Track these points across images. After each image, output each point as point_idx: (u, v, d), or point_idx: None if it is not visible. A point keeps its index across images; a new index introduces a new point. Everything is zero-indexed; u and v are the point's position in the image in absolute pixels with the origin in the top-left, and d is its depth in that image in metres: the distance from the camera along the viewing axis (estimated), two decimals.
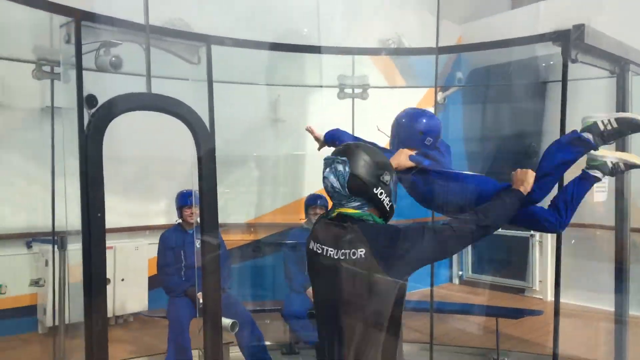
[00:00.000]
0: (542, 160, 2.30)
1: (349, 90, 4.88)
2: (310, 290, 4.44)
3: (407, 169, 2.48)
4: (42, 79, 3.85)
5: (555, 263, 3.24)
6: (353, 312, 1.82)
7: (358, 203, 1.86)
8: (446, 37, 6.83)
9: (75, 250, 3.44)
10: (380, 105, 5.12)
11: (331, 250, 1.85)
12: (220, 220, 3.27)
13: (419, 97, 6.87)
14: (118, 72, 3.26)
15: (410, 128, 2.61)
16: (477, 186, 2.38)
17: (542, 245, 6.71)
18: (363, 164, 1.85)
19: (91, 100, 2.79)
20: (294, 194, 6.01)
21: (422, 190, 2.49)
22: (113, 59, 3.15)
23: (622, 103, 3.50)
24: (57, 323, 4.17)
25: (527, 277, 6.86)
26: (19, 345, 4.91)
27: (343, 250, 1.82)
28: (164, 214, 5.58)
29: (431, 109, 6.44)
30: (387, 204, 1.89)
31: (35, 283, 4.59)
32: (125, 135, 4.22)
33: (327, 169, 1.87)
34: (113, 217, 3.07)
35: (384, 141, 2.83)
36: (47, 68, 3.81)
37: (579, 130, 2.29)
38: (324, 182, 1.89)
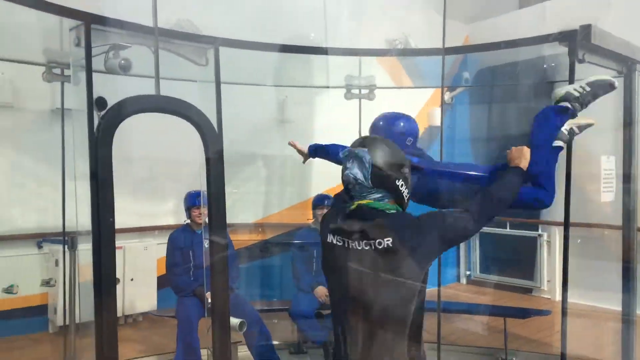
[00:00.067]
0: (531, 136, 2.36)
1: (355, 91, 4.88)
2: (318, 289, 4.47)
3: None
4: (52, 82, 3.88)
5: (563, 263, 3.24)
6: (380, 302, 1.82)
7: (379, 195, 1.88)
8: (453, 37, 6.81)
9: (85, 250, 3.48)
10: (387, 105, 5.14)
11: (352, 242, 1.85)
12: (228, 220, 3.31)
13: (426, 98, 6.88)
14: (127, 74, 3.29)
15: (390, 130, 2.66)
16: (473, 172, 2.46)
17: (550, 245, 6.70)
18: (385, 156, 1.89)
19: (101, 102, 2.83)
20: (301, 194, 6.03)
21: (421, 189, 2.51)
22: (122, 61, 3.18)
23: (629, 103, 3.50)
24: (67, 322, 4.22)
25: (535, 277, 6.85)
26: (30, 344, 4.96)
27: (367, 241, 1.82)
28: (173, 214, 5.61)
29: (438, 109, 6.46)
30: (406, 196, 1.93)
31: (47, 283, 4.63)
32: (134, 136, 4.26)
33: (349, 162, 1.88)
34: (122, 217, 3.11)
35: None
36: (57, 70, 3.84)
37: (553, 103, 2.38)
38: (344, 174, 1.89)
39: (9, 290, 4.52)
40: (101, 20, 3.01)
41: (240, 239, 5.80)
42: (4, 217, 5.06)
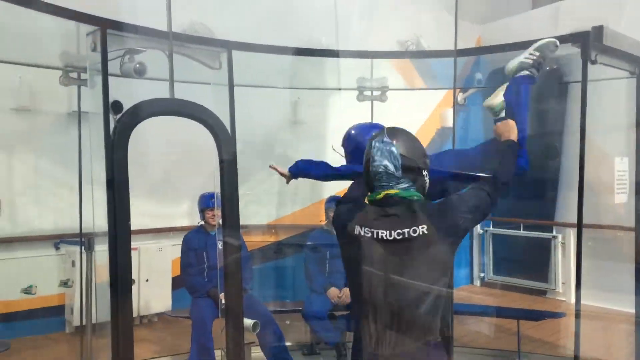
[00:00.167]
0: (507, 111, 2.42)
1: (367, 93, 4.90)
2: (330, 290, 4.49)
3: None
4: (69, 85, 3.95)
5: (576, 265, 3.23)
6: (417, 287, 1.86)
7: (407, 184, 1.91)
8: (465, 38, 6.83)
9: (101, 251, 3.54)
10: (399, 107, 5.15)
11: (383, 232, 1.88)
12: (242, 221, 3.35)
13: (438, 99, 6.87)
14: (142, 78, 3.34)
15: (366, 140, 2.70)
16: (462, 156, 2.53)
17: (565, 247, 6.64)
18: (413, 147, 1.95)
19: (117, 106, 2.88)
20: (313, 195, 6.05)
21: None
22: (137, 65, 3.24)
23: None
24: (84, 323, 4.28)
25: (549, 279, 6.80)
26: (48, 344, 5.02)
27: (400, 230, 1.85)
28: (187, 215, 5.66)
29: (450, 110, 6.45)
30: (427, 185, 1.98)
31: (64, 284, 4.70)
32: (149, 138, 4.32)
33: (379, 152, 1.91)
34: (137, 218, 3.16)
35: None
36: (74, 74, 3.90)
37: (512, 76, 2.47)
38: (372, 164, 1.91)
39: (27, 290, 4.61)
40: (117, 25, 3.07)
41: (254, 240, 5.83)
42: (22, 218, 5.13)
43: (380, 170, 1.90)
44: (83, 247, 4.07)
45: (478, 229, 7.34)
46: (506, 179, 2.09)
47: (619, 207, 3.40)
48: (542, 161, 6.73)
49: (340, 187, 2.30)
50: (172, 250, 5.58)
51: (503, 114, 2.48)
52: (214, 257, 4.21)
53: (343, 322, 4.53)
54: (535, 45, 2.45)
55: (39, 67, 4.31)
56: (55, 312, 5.22)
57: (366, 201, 2.30)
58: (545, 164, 6.65)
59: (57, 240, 5.23)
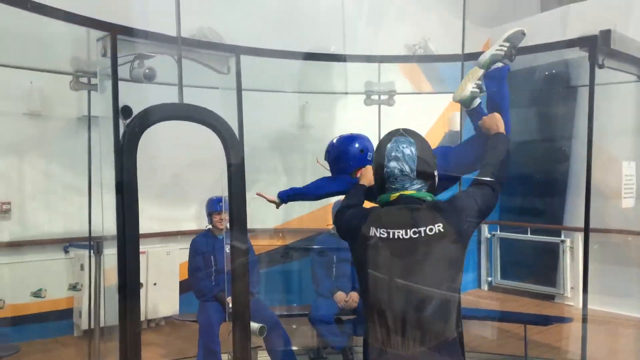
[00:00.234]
0: (490, 104, 2.45)
1: (375, 97, 4.91)
2: (337, 295, 4.49)
3: None
4: (79, 90, 3.98)
5: (583, 269, 3.22)
6: (435, 285, 1.89)
7: (419, 185, 1.96)
8: (474, 41, 6.80)
9: (110, 255, 3.56)
10: (407, 111, 5.16)
11: (399, 232, 1.90)
12: (249, 225, 3.36)
13: (446, 103, 6.86)
14: (151, 83, 3.37)
15: (350, 150, 2.79)
16: (448, 154, 2.53)
17: (573, 251, 6.60)
18: (426, 148, 1.99)
19: (126, 111, 2.91)
20: (321, 200, 6.06)
21: None
22: (147, 70, 3.27)
23: None
24: (92, 326, 4.30)
25: (557, 284, 6.75)
26: (56, 347, 5.04)
27: (415, 229, 1.88)
28: (195, 219, 5.68)
29: (458, 114, 6.44)
30: (436, 185, 2.02)
31: (73, 287, 4.73)
32: (158, 142, 4.34)
33: (394, 154, 1.94)
34: (145, 222, 3.18)
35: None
36: (84, 79, 3.94)
37: (485, 69, 2.50)
38: (387, 166, 1.95)
39: (37, 294, 4.63)
40: (127, 31, 3.10)
41: (261, 244, 5.84)
42: (32, 222, 5.17)
43: (396, 171, 1.93)
44: (92, 251, 4.10)
45: (486, 232, 7.32)
46: (504, 172, 2.12)
47: (628, 212, 3.39)
48: (551, 165, 6.72)
49: None
50: (180, 254, 5.60)
51: (475, 104, 2.51)
52: (222, 261, 4.22)
53: (350, 327, 4.53)
54: (504, 36, 2.49)
55: (50, 72, 4.36)
56: (63, 316, 5.24)
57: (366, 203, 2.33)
58: (554, 168, 6.64)
59: (67, 244, 5.26)
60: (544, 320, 4.94)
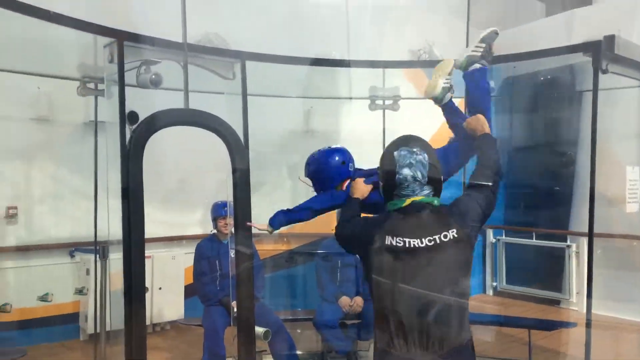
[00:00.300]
0: (472, 107, 2.46)
1: (380, 102, 4.93)
2: (342, 299, 4.49)
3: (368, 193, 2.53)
4: (86, 96, 4.02)
5: (587, 274, 3.22)
6: (453, 289, 1.93)
7: (428, 191, 1.98)
8: None
9: (116, 259, 3.58)
10: (412, 116, 5.17)
11: (414, 241, 1.91)
12: (254, 230, 3.38)
13: None
14: (158, 88, 3.40)
15: (331, 164, 2.75)
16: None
17: (579, 256, 6.57)
18: (433, 154, 2.02)
19: (133, 116, 2.94)
20: None
21: None
22: (153, 76, 3.30)
23: None
24: (98, 330, 4.32)
25: (563, 289, 6.73)
26: (62, 351, 5.07)
27: (430, 237, 1.90)
28: (200, 224, 5.69)
29: None
30: (441, 189, 2.05)
31: (79, 292, 4.76)
32: (163, 147, 4.37)
33: (406, 160, 1.95)
34: (151, 227, 3.21)
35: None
36: (91, 85, 3.98)
37: (463, 70, 2.53)
38: (400, 172, 1.96)
39: (44, 298, 4.67)
40: (133, 37, 3.13)
41: (266, 249, 5.85)
42: (39, 226, 5.21)
43: (409, 177, 1.95)
44: (98, 255, 4.12)
45: (491, 237, 7.31)
46: (499, 172, 2.14)
47: (632, 216, 3.38)
48: (556, 170, 6.71)
49: None
50: (185, 258, 5.61)
51: (447, 99, 2.54)
52: (227, 266, 4.23)
53: (354, 331, 4.53)
54: (479, 37, 2.52)
55: (57, 78, 4.41)
56: (69, 320, 5.27)
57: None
58: (559, 173, 6.63)
59: (72, 248, 5.29)
60: (548, 325, 4.92)
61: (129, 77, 3.27)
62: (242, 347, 3.39)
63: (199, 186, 5.68)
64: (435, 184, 2.00)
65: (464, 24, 4.13)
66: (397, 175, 1.96)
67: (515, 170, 7.37)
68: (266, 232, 2.77)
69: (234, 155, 3.21)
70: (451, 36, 5.18)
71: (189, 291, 5.56)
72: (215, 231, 4.49)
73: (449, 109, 2.56)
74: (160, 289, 5.57)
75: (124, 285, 3.08)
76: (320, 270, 4.70)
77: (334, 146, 2.83)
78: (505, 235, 7.24)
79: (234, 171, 3.23)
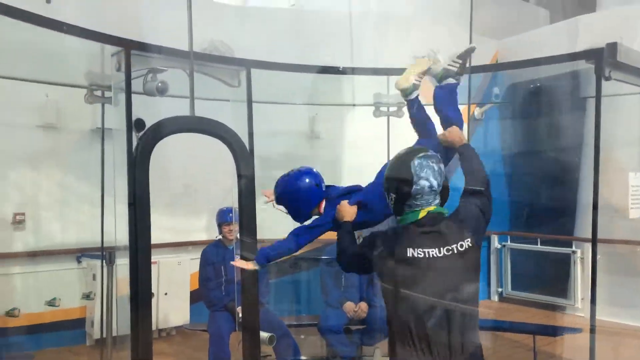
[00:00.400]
0: (444, 118, 2.47)
1: (384, 109, 4.94)
2: (346, 305, 4.50)
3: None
4: (93, 103, 4.06)
5: (591, 280, 3.23)
6: (467, 297, 1.97)
7: (438, 200, 2.01)
8: (483, 53, 6.84)
9: (122, 265, 3.62)
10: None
11: (433, 250, 1.94)
12: (259, 236, 3.40)
13: None
14: (164, 96, 3.44)
15: (306, 189, 2.60)
16: None
17: (584, 262, 6.55)
18: (443, 164, 2.05)
19: (139, 123, 2.98)
20: None
21: (376, 216, 2.52)
22: (159, 84, 3.34)
23: None
24: (104, 335, 4.35)
25: (568, 295, 6.71)
26: (69, 356, 5.10)
27: (448, 247, 1.93)
28: (206, 230, 5.73)
29: (465, 126, 6.47)
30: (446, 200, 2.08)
31: (87, 297, 4.79)
32: (169, 154, 4.41)
33: (424, 171, 1.96)
34: (157, 233, 3.24)
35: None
36: (98, 93, 4.01)
37: (437, 81, 2.56)
38: (417, 183, 1.96)
39: (51, 302, 4.71)
40: (140, 46, 3.17)
41: None
42: (46, 232, 5.25)
43: (426, 188, 1.96)
44: (104, 261, 4.16)
45: (496, 243, 7.30)
46: (488, 179, 2.16)
47: (637, 222, 3.39)
48: (561, 175, 6.71)
49: None
50: (190, 264, 5.64)
51: (414, 96, 2.58)
52: (232, 271, 4.25)
53: (359, 336, 4.55)
54: (458, 53, 2.54)
55: (65, 86, 4.45)
56: (76, 325, 5.30)
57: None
58: (564, 179, 6.63)
59: (79, 254, 5.33)
60: (553, 331, 4.91)
61: (136, 85, 3.31)
62: (247, 352, 3.42)
63: (205, 192, 5.72)
64: (444, 193, 2.03)
65: (467, 31, 4.15)
66: (414, 186, 1.96)
67: (520, 177, 7.38)
68: (253, 269, 2.71)
69: (239, 162, 3.24)
70: (455, 43, 5.20)
71: (194, 297, 5.59)
72: (220, 237, 4.51)
73: (415, 104, 2.59)
74: (166, 294, 5.60)
75: (130, 290, 3.11)
76: (325, 276, 4.71)
77: (301, 169, 2.67)
78: (511, 241, 7.23)
79: (239, 177, 3.26)
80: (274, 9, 6.61)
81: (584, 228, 6.39)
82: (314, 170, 2.66)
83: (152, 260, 3.15)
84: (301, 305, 5.84)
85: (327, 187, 2.64)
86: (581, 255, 6.52)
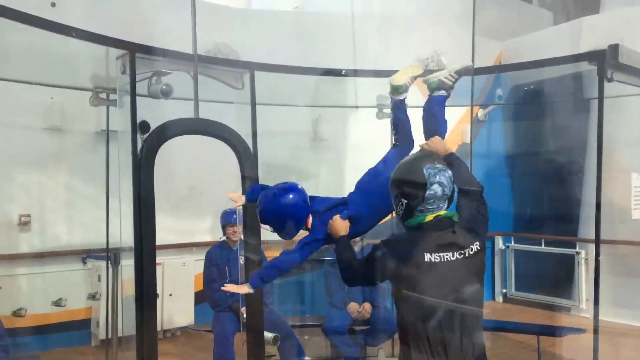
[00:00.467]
0: (428, 127, 2.50)
1: (387, 110, 4.96)
2: (350, 305, 4.52)
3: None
4: (98, 106, 4.10)
5: (594, 281, 3.23)
6: (476, 299, 2.02)
7: (446, 204, 2.03)
8: (486, 54, 6.85)
9: (127, 265, 3.64)
10: (419, 124, 5.20)
11: (447, 255, 1.97)
12: (263, 237, 3.43)
13: (459, 116, 6.89)
14: (168, 98, 3.47)
15: (292, 206, 2.51)
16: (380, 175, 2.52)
17: (588, 263, 6.54)
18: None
19: (144, 126, 3.01)
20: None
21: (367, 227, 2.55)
22: (164, 87, 3.37)
23: None
24: (109, 336, 4.38)
25: (573, 296, 6.70)
26: (74, 357, 5.12)
27: (461, 251, 1.97)
28: (210, 231, 5.75)
29: (469, 127, 6.48)
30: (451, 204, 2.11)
31: (92, 297, 4.82)
32: (174, 156, 4.44)
33: (436, 177, 1.99)
34: (161, 234, 3.26)
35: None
36: (103, 95, 4.05)
37: (431, 91, 2.57)
38: (431, 189, 1.98)
39: (58, 303, 4.74)
40: (145, 49, 3.20)
41: (275, 256, 5.88)
42: (52, 234, 5.28)
43: (439, 193, 1.98)
44: (109, 262, 4.18)
45: (500, 244, 7.30)
46: (482, 184, 2.19)
47: (639, 222, 3.39)
48: (565, 176, 6.71)
49: None
50: (195, 265, 5.66)
51: (402, 96, 2.60)
52: (236, 272, 4.28)
53: (362, 337, 4.56)
54: (456, 69, 2.55)
55: (70, 89, 4.48)
56: (81, 326, 5.33)
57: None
58: (568, 179, 6.62)
59: (84, 255, 5.36)
60: (557, 332, 4.90)
61: (141, 87, 3.34)
62: (252, 353, 3.44)
63: (209, 194, 5.73)
64: (451, 198, 2.06)
65: (470, 33, 4.16)
66: (427, 192, 1.97)
67: (523, 178, 7.38)
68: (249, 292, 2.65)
69: (243, 164, 3.27)
70: (459, 45, 5.22)
71: (199, 297, 5.61)
72: (224, 238, 4.53)
73: (402, 104, 2.62)
74: (170, 295, 5.62)
75: (136, 291, 3.14)
76: (329, 277, 4.73)
77: (285, 185, 2.55)
78: (515, 242, 7.23)
79: (243, 179, 3.29)
80: (277, 11, 6.63)
81: (588, 229, 6.37)
82: (298, 185, 2.57)
83: (156, 262, 3.18)
84: (305, 305, 5.86)
85: (310, 199, 2.58)
86: (585, 256, 6.51)
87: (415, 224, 2.02)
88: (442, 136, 2.42)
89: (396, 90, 2.60)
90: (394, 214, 2.22)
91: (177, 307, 5.65)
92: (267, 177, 3.39)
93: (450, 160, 2.21)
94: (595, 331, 3.12)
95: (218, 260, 4.45)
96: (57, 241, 5.26)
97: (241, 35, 5.41)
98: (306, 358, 4.41)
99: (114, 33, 3.23)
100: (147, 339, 3.11)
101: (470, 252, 1.98)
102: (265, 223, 2.58)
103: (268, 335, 3.47)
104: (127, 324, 4.00)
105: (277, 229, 2.57)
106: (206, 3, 5.70)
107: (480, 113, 6.94)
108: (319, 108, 5.99)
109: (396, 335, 4.47)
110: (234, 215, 4.34)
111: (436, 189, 1.97)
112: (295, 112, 5.75)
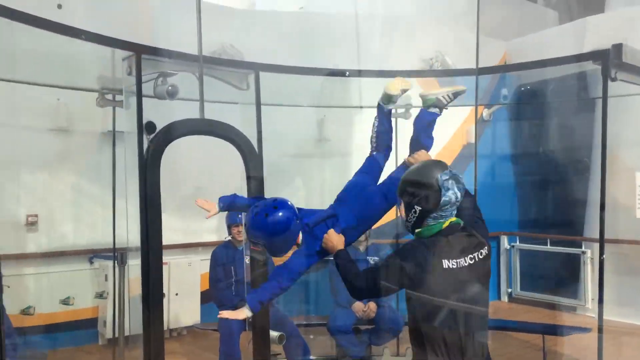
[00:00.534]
0: (417, 142, 2.54)
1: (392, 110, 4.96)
2: (355, 305, 4.53)
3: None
4: (105, 107, 4.13)
5: (599, 280, 3.24)
6: (484, 302, 2.08)
7: (455, 211, 2.07)
8: (491, 54, 6.85)
9: (134, 265, 3.67)
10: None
11: (460, 260, 2.01)
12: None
13: (464, 115, 6.90)
14: (174, 99, 3.50)
15: (286, 227, 2.44)
16: (382, 186, 2.57)
17: (594, 262, 6.52)
18: None
19: (150, 126, 3.04)
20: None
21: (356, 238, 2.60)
22: (170, 87, 3.40)
23: None
24: (116, 335, 4.41)
25: (579, 295, 6.69)
26: (81, 356, 5.16)
27: (472, 255, 2.02)
28: (215, 231, 5.77)
29: (473, 127, 6.49)
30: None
31: (100, 296, 4.85)
32: (179, 156, 4.46)
33: (450, 183, 2.01)
34: (167, 234, 3.29)
35: None
36: (109, 96, 4.08)
37: (424, 107, 2.59)
38: (446, 195, 2.00)
39: (65, 301, 4.77)
40: (151, 50, 3.23)
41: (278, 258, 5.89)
42: (59, 234, 5.32)
43: (453, 199, 2.01)
44: (116, 262, 4.21)
45: (505, 244, 7.30)
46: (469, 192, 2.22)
47: None
48: (571, 176, 6.70)
49: None
50: (201, 264, 5.69)
51: (390, 105, 2.66)
52: (242, 272, 4.30)
53: (367, 336, 4.57)
54: (453, 90, 2.58)
55: (77, 90, 4.52)
56: (88, 325, 5.36)
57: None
58: (574, 179, 6.61)
59: (91, 255, 5.39)
60: (562, 331, 4.89)
61: (147, 88, 3.36)
62: (257, 351, 3.46)
63: (215, 194, 5.75)
64: (458, 205, 2.10)
65: (474, 33, 4.17)
66: (442, 198, 1.99)
67: (528, 177, 7.37)
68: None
69: (248, 164, 3.29)
70: (463, 45, 5.22)
71: (205, 297, 5.63)
72: (230, 238, 4.56)
73: (389, 113, 2.68)
74: (177, 294, 5.64)
75: (142, 291, 3.17)
76: (334, 276, 4.73)
77: (275, 203, 2.47)
78: (520, 242, 7.22)
79: (248, 179, 3.31)
80: (282, 12, 6.65)
81: (593, 228, 6.36)
82: (288, 201, 2.51)
83: (163, 261, 3.21)
84: (310, 305, 5.87)
85: (299, 209, 2.54)
86: (591, 255, 6.49)
87: (433, 231, 2.03)
88: (428, 150, 2.48)
89: (389, 99, 2.64)
90: (398, 215, 2.23)
91: (183, 306, 5.68)
92: (272, 177, 3.41)
93: None
94: (600, 330, 3.12)
95: (224, 260, 4.47)
96: (64, 241, 5.30)
97: (246, 36, 5.44)
98: (311, 357, 4.42)
99: (119, 34, 3.26)
100: (154, 338, 3.14)
101: (480, 257, 2.03)
102: (256, 241, 2.51)
103: (274, 334, 3.49)
104: (133, 323, 4.03)
105: (269, 247, 2.50)
106: (211, 4, 5.71)
107: (485, 113, 6.95)
108: (323, 108, 6.01)
109: (401, 335, 4.51)
110: (239, 215, 4.36)
111: (451, 195, 1.99)
112: (300, 113, 5.77)
